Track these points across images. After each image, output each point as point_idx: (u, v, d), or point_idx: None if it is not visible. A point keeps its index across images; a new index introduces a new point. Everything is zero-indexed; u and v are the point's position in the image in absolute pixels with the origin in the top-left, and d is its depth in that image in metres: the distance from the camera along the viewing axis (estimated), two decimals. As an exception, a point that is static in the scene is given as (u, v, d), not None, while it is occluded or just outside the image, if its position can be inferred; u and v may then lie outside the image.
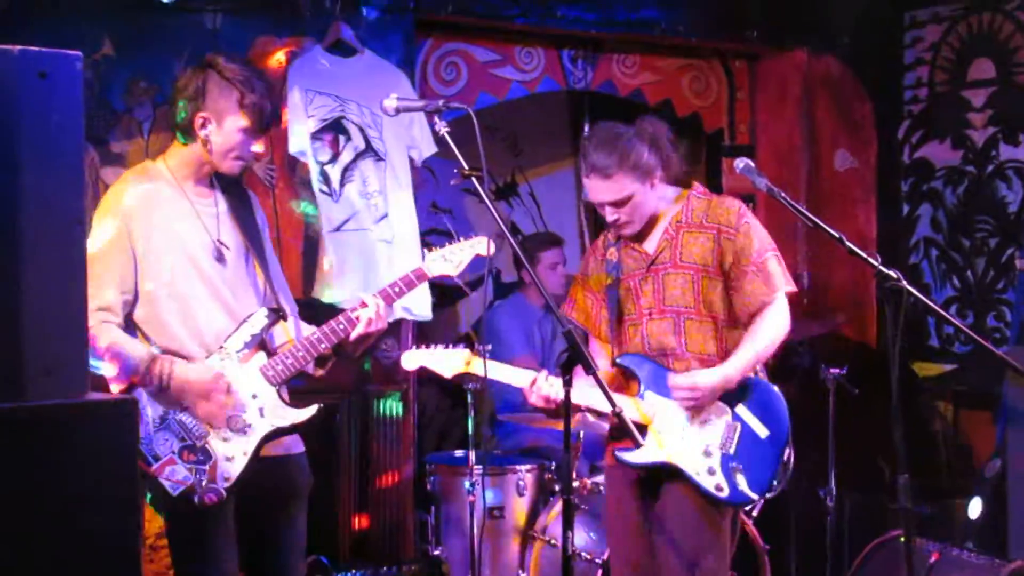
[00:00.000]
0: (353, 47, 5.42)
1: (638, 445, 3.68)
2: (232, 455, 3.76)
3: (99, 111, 4.97)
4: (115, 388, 3.72)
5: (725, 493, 4.03)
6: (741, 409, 4.10)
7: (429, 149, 5.55)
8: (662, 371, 4.10)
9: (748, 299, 4.13)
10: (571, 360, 3.40)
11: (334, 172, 5.33)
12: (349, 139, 5.38)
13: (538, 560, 5.31)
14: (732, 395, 4.09)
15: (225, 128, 3.81)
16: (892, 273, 3.53)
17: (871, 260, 3.61)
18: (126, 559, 2.57)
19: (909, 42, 6.40)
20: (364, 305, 3.97)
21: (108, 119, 5.01)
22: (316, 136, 5.30)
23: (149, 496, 3.80)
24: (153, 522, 4.94)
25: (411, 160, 5.59)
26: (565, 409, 3.52)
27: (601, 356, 4.27)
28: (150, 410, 3.71)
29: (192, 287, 3.84)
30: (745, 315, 4.15)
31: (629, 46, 6.52)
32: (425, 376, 6.03)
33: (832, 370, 5.50)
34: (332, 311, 5.02)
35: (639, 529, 4.17)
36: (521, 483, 5.44)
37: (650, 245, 4.19)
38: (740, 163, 3.99)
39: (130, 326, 3.82)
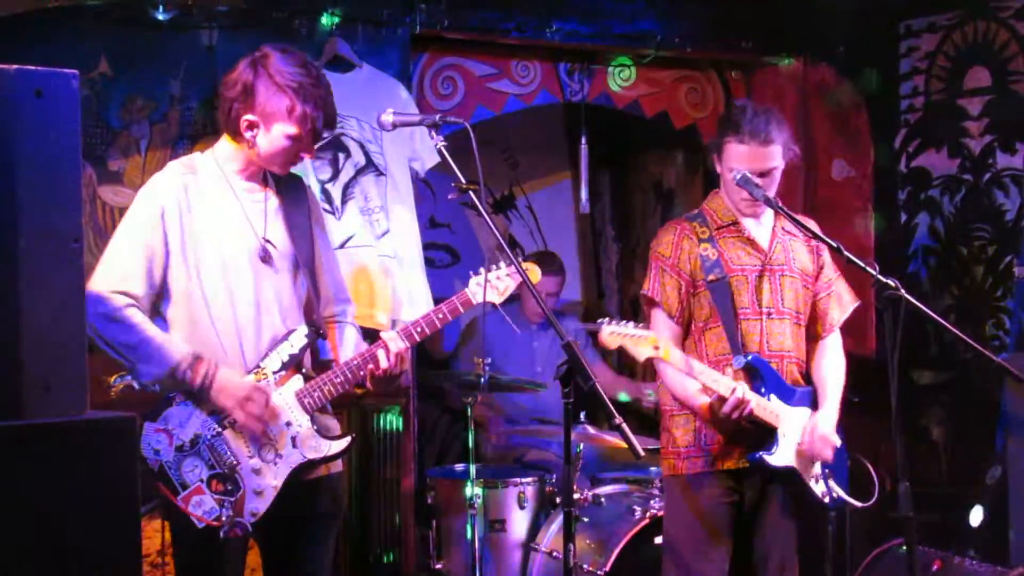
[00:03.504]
0: (351, 62, 5.41)
1: (638, 457, 3.62)
2: (261, 488, 3.58)
3: (96, 129, 4.96)
4: (145, 381, 3.54)
5: (827, 499, 4.19)
6: None
7: (431, 160, 5.53)
8: (778, 378, 4.14)
9: (825, 320, 4.30)
10: (570, 372, 3.39)
11: (335, 190, 5.31)
12: (349, 156, 5.37)
13: (540, 572, 5.31)
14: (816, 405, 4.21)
15: (272, 134, 3.59)
16: (890, 282, 3.54)
17: (869, 269, 3.63)
18: (127, 576, 2.57)
19: (904, 51, 6.41)
20: (385, 347, 3.77)
21: (105, 137, 5.00)
22: (315, 155, 5.27)
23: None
24: (154, 539, 4.94)
25: (413, 172, 5.58)
26: (566, 421, 3.50)
27: (676, 342, 4.17)
28: (182, 433, 3.53)
29: (231, 290, 3.62)
30: (819, 333, 4.30)
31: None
32: (425, 390, 6.07)
33: (832, 379, 5.49)
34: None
35: (728, 536, 4.21)
36: (522, 496, 5.44)
37: (762, 240, 4.21)
38: (738, 174, 4.01)
39: (162, 325, 3.61)
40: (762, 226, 4.24)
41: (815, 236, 4.00)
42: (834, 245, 3.81)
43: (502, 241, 3.51)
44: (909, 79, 6.39)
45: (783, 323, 4.17)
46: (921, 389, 6.27)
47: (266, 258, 3.68)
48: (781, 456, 4.07)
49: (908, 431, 5.64)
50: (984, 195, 6.09)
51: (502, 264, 3.98)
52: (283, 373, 3.66)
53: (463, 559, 5.37)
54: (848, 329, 4.43)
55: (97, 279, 3.57)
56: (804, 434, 4.12)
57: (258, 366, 3.65)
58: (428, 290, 5.51)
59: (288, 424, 3.65)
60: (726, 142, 4.12)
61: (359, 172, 5.39)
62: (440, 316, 3.83)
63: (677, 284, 4.18)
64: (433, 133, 3.60)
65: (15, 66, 2.51)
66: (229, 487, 3.54)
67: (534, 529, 5.43)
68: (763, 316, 4.14)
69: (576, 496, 5.18)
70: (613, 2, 6.14)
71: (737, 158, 4.09)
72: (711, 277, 4.13)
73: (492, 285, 3.92)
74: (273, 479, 3.60)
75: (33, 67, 2.53)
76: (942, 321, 3.75)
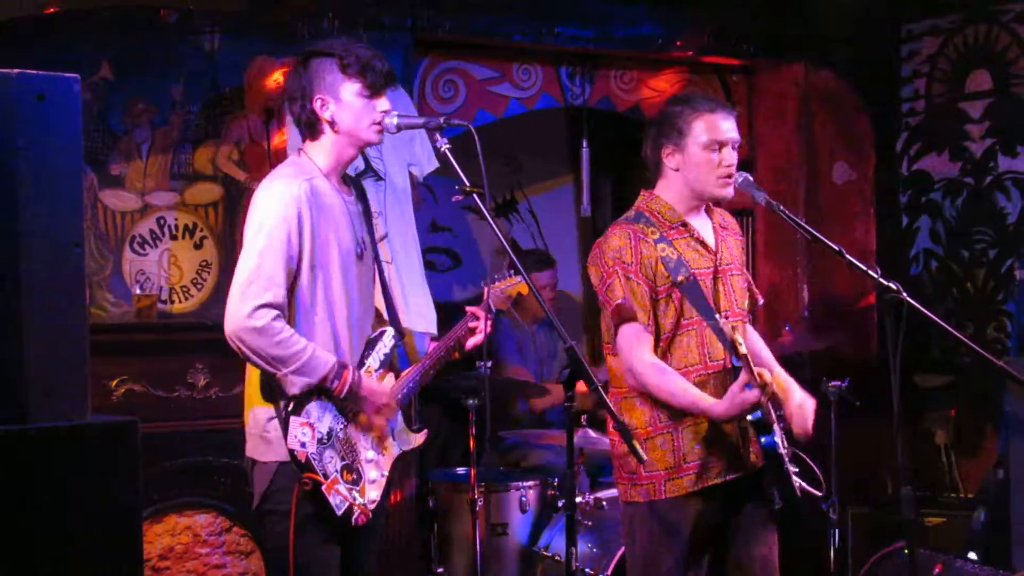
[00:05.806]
0: (352, 66, 5.40)
1: (641, 462, 3.58)
2: (375, 477, 3.73)
3: (98, 133, 4.97)
4: (294, 392, 3.55)
5: (799, 491, 3.91)
6: None
7: (430, 165, 5.54)
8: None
9: (751, 307, 4.21)
10: (573, 375, 3.39)
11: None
12: (348, 161, 5.37)
13: (542, 577, 5.31)
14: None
15: (343, 99, 3.67)
16: (892, 285, 3.54)
17: (871, 272, 3.62)
18: (128, 580, 2.57)
19: (906, 54, 6.41)
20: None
21: (107, 141, 5.01)
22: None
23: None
24: (155, 543, 4.94)
25: (412, 177, 5.58)
26: (568, 424, 3.50)
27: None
28: (320, 426, 3.61)
29: (346, 289, 3.72)
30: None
31: (626, 62, 6.53)
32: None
33: (833, 383, 5.49)
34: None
35: (709, 554, 4.03)
36: (524, 499, 5.43)
37: (709, 240, 4.05)
38: (739, 177, 4.00)
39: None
40: (705, 223, 4.10)
41: (816, 239, 3.97)
42: (836, 248, 3.79)
43: (506, 244, 3.51)
44: (910, 82, 6.40)
45: (741, 325, 4.04)
46: (923, 392, 6.27)
47: (361, 255, 3.80)
48: (779, 441, 3.86)
49: (910, 434, 5.64)
50: (985, 198, 6.09)
51: (506, 274, 4.29)
52: (381, 371, 3.81)
53: (465, 563, 5.36)
54: (850, 333, 4.43)
55: (245, 291, 3.55)
56: (790, 407, 3.93)
57: (363, 363, 3.78)
58: (428, 294, 5.51)
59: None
60: (693, 119, 3.98)
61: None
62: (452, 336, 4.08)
63: (645, 291, 3.88)
64: (437, 136, 3.62)
65: (17, 70, 2.51)
66: (354, 477, 3.68)
67: (536, 533, 5.43)
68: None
69: (578, 500, 5.18)
70: (615, 6, 6.14)
71: (710, 129, 3.97)
72: (680, 278, 3.88)
73: (497, 296, 4.25)
74: (382, 470, 3.77)
75: (35, 71, 2.53)
76: (944, 324, 3.74)
